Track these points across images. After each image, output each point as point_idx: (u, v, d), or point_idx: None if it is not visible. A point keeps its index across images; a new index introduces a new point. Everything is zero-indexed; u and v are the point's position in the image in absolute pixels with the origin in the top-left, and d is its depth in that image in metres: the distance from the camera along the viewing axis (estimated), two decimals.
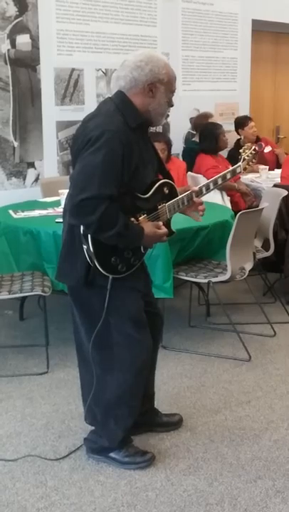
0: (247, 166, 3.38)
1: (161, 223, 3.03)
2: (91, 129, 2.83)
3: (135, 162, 2.88)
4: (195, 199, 3.18)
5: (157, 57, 2.96)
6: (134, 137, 2.89)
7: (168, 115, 3.09)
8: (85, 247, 2.88)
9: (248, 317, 5.14)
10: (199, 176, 6.07)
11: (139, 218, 2.96)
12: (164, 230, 3.02)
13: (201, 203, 3.20)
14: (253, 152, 3.35)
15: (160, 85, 2.93)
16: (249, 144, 3.49)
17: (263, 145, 3.27)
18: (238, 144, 7.14)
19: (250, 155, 3.35)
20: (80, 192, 2.76)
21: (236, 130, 7.37)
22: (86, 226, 2.83)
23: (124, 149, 2.81)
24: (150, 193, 3.01)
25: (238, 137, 7.28)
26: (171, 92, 3.00)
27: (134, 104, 2.93)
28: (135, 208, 2.96)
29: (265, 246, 5.25)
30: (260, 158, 6.97)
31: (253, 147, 3.38)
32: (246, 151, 3.37)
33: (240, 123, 7.34)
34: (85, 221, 2.80)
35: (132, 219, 2.92)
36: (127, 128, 2.86)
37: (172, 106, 3.06)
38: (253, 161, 3.39)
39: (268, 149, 7.30)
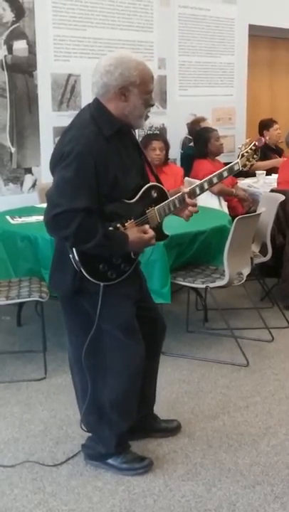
0: (247, 163, 3.11)
1: (147, 227, 2.97)
2: (64, 144, 2.83)
3: (113, 173, 2.84)
4: (188, 200, 3.05)
5: (128, 59, 2.87)
6: (111, 146, 2.86)
7: (148, 116, 2.98)
8: (70, 256, 2.87)
9: (245, 322, 5.14)
10: (196, 181, 6.05)
11: (126, 224, 2.91)
12: (150, 233, 2.95)
13: (194, 205, 3.07)
14: (253, 148, 3.11)
15: (133, 88, 2.86)
16: (248, 140, 3.21)
17: (264, 140, 3.14)
18: None
19: (249, 151, 3.10)
20: (53, 207, 2.76)
21: (260, 132, 7.41)
22: (64, 239, 2.83)
23: (97, 161, 2.78)
24: (136, 197, 2.97)
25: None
26: (147, 92, 2.90)
27: (108, 111, 2.89)
28: (122, 215, 2.91)
29: (263, 251, 5.25)
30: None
31: (253, 142, 3.14)
32: (245, 146, 3.13)
33: (265, 125, 7.45)
34: (61, 235, 2.81)
35: (119, 225, 2.89)
36: (101, 138, 2.83)
37: (152, 105, 2.97)
38: (254, 156, 3.12)
39: None
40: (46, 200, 2.84)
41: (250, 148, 3.10)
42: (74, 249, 2.84)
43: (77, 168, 2.75)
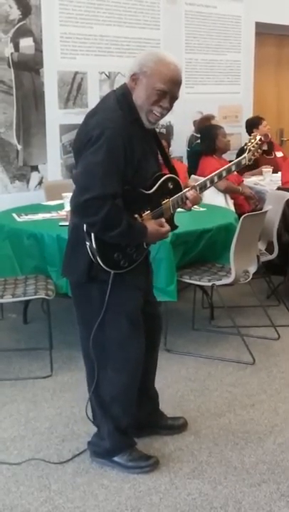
0: (252, 157, 3.23)
1: (164, 220, 3.02)
2: (92, 127, 2.83)
3: (137, 157, 2.88)
4: (190, 193, 3.12)
5: (153, 53, 2.95)
6: (134, 130, 2.89)
7: (156, 116, 2.93)
8: (87, 243, 2.88)
9: (251, 320, 5.13)
10: (203, 178, 6.05)
11: (143, 215, 2.95)
12: (166, 227, 3.01)
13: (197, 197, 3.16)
14: (259, 142, 3.23)
15: (142, 77, 2.87)
16: (254, 134, 3.34)
17: (269, 136, 3.19)
18: None
19: (255, 145, 3.22)
20: (84, 192, 2.77)
21: (249, 131, 7.36)
22: (90, 226, 2.84)
23: (126, 144, 2.81)
24: (154, 188, 3.00)
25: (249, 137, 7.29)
26: (153, 88, 2.87)
27: (131, 97, 2.92)
28: (139, 204, 2.95)
29: (269, 249, 5.25)
30: (272, 163, 6.96)
31: (259, 137, 3.25)
32: (252, 141, 3.25)
33: (254, 123, 7.36)
34: (89, 221, 2.82)
35: (136, 216, 2.92)
36: (126, 122, 2.86)
37: (158, 106, 2.90)
38: (259, 151, 3.24)
39: (279, 154, 7.26)
40: (74, 184, 2.86)
41: (256, 143, 3.23)
42: (93, 236, 2.85)
43: (107, 151, 2.76)
